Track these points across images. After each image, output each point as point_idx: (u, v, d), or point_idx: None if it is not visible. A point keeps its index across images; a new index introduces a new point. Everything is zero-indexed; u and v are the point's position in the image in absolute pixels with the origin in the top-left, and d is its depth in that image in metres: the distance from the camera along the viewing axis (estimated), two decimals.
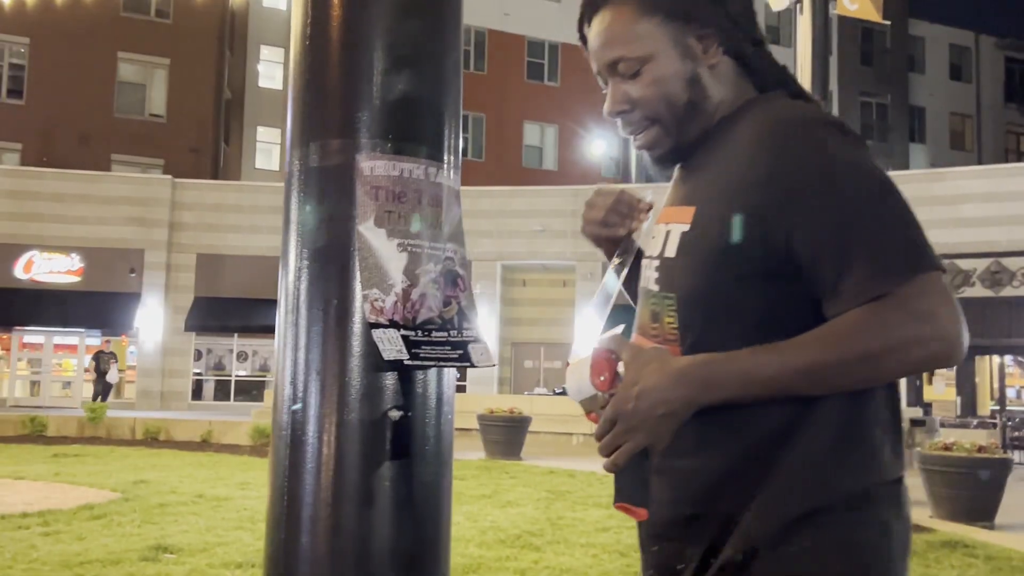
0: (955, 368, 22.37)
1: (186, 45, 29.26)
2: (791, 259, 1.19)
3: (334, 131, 1.75)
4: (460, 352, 1.74)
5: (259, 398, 22.96)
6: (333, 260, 1.71)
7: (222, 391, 24.84)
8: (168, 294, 24.06)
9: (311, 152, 1.77)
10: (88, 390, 24.37)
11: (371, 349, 1.66)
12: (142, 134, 28.92)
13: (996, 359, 22.41)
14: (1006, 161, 37.82)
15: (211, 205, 24.45)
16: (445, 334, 1.73)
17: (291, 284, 1.76)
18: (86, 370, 25.06)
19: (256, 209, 23.98)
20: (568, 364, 1.31)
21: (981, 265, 20.46)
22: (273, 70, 32.67)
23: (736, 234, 1.22)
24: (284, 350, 1.75)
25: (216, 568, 5.44)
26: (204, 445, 14.70)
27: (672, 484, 1.26)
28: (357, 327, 1.68)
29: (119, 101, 29.14)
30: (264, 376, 25.21)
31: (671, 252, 1.31)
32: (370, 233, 1.70)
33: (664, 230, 1.35)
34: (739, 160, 1.25)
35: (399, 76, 1.77)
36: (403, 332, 1.67)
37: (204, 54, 29.63)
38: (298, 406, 1.72)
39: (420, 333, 1.69)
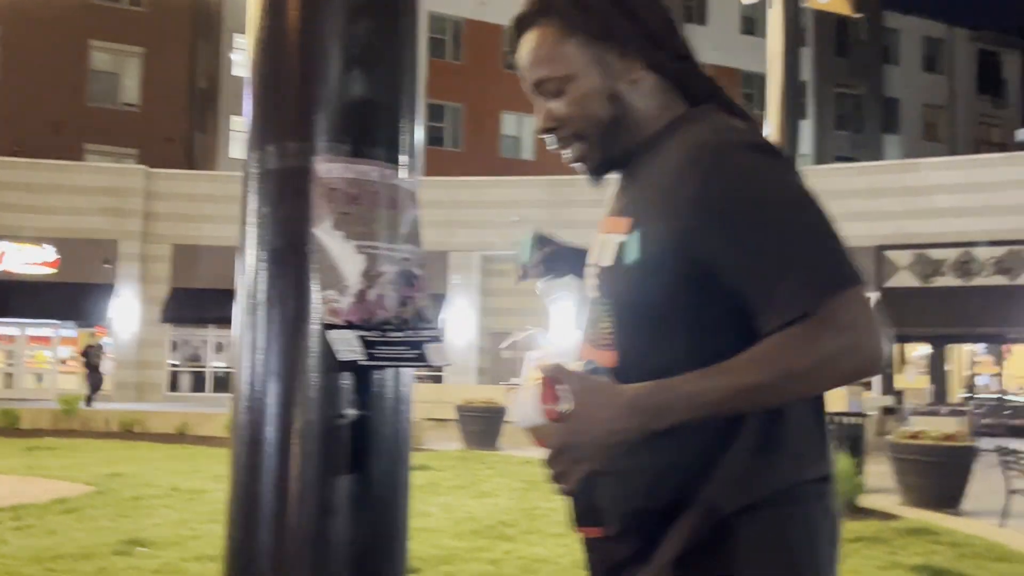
0: (928, 356, 22.65)
1: (160, 34, 29.02)
2: (718, 277, 1.24)
3: (290, 134, 1.77)
4: (417, 352, 1.76)
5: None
6: (290, 262, 1.73)
7: (199, 383, 24.74)
8: (143, 285, 23.92)
9: (268, 154, 1.78)
10: (64, 382, 24.19)
11: (329, 349, 1.68)
12: (115, 123, 28.69)
13: (967, 347, 22.71)
14: (978, 152, 38.23)
15: (186, 195, 24.29)
16: (402, 334, 1.75)
17: (249, 285, 1.78)
18: (62, 361, 24.85)
19: (231, 199, 23.58)
20: (511, 388, 1.35)
21: (952, 255, 20.71)
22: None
23: (665, 250, 1.26)
24: (242, 351, 1.77)
25: (188, 561, 5.45)
26: (180, 437, 14.66)
27: (612, 482, 1.30)
28: (315, 328, 1.70)
29: (92, 90, 28.88)
30: None
31: (607, 261, 1.35)
32: (326, 235, 1.72)
33: (603, 239, 1.39)
34: (670, 177, 1.29)
35: (355, 79, 1.79)
36: (360, 333, 1.69)
37: (178, 43, 29.41)
38: (254, 406, 1.74)
39: (377, 334, 1.71)
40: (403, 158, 1.84)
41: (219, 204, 23.88)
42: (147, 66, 29.18)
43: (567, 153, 1.45)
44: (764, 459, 1.25)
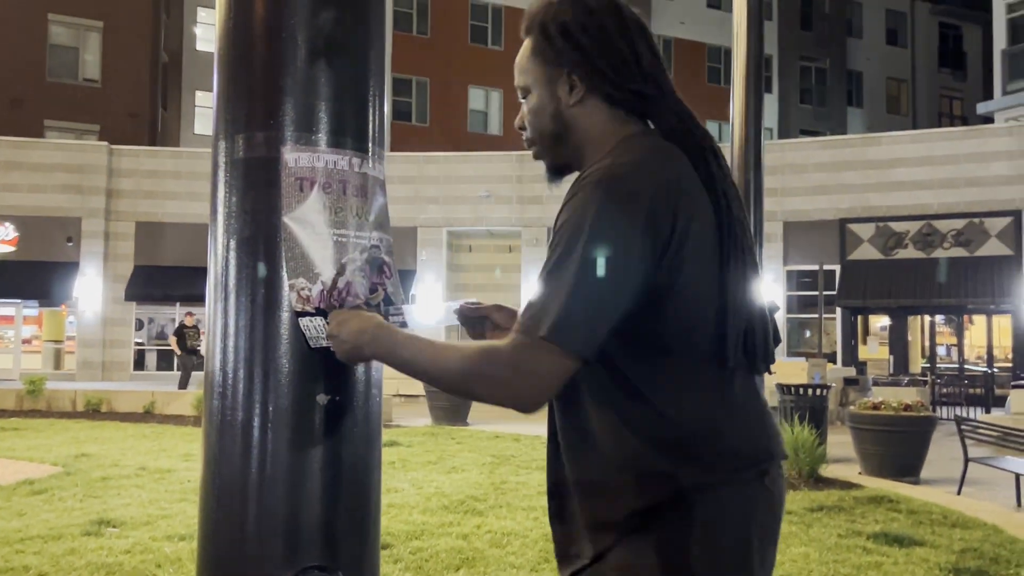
0: (888, 327, 23.03)
1: (120, 7, 28.46)
2: None
3: (258, 124, 1.78)
4: None
5: (202, 367, 22.68)
6: (260, 250, 1.75)
7: (165, 361, 24.54)
8: (107, 263, 23.65)
9: (237, 145, 1.80)
10: (28, 361, 23.90)
11: (299, 337, 1.71)
12: (76, 99, 28.17)
13: (927, 318, 23.08)
14: (939, 125, 38.68)
15: (149, 172, 24.00)
16: None
17: (219, 273, 1.80)
18: (25, 340, 24.50)
19: (196, 175, 23.61)
20: None
21: (914, 227, 21.01)
22: (211, 33, 31.85)
23: None
24: (214, 338, 1.80)
25: (159, 541, 5.46)
26: (147, 416, 14.56)
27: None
28: (285, 315, 1.73)
29: (51, 65, 28.31)
30: None
31: None
32: (295, 224, 1.75)
33: None
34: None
35: (322, 68, 1.81)
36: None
37: (139, 16, 28.86)
38: (227, 392, 1.77)
39: None
40: (371, 147, 1.87)
41: (183, 181, 23.62)
42: (107, 40, 28.62)
43: (531, 152, 1.69)
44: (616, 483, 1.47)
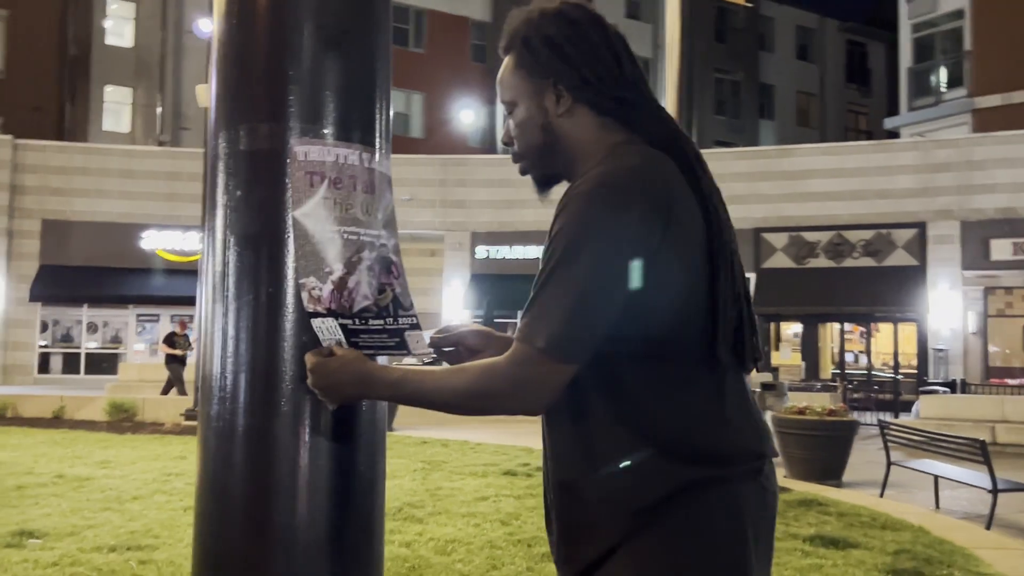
0: (800, 334, 23.69)
1: None
2: None
3: (263, 115, 1.70)
4: (397, 340, 1.72)
5: (111, 371, 21.89)
6: (264, 247, 1.67)
7: (71, 364, 23.60)
8: (11, 262, 22.63)
9: (239, 136, 1.71)
10: None
11: (305, 338, 1.63)
12: None
13: (837, 326, 23.80)
14: (846, 138, 40.04)
15: (56, 168, 23.07)
16: (381, 322, 1.71)
17: (218, 272, 1.71)
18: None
19: (105, 172, 22.82)
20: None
21: (825, 237, 21.66)
22: (122, 26, 30.91)
23: None
24: (211, 340, 1.71)
25: (88, 553, 5.20)
26: (57, 422, 13.95)
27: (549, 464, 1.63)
28: (290, 315, 1.65)
29: None
30: (117, 348, 24.09)
31: None
32: (307, 219, 1.67)
33: None
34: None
35: (330, 57, 1.74)
36: (341, 320, 1.65)
37: (46, 6, 27.75)
38: (228, 397, 1.68)
39: (357, 321, 1.67)
40: (379, 141, 1.80)
41: (93, 178, 22.80)
42: (11, 30, 27.43)
43: (519, 166, 1.71)
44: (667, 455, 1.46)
